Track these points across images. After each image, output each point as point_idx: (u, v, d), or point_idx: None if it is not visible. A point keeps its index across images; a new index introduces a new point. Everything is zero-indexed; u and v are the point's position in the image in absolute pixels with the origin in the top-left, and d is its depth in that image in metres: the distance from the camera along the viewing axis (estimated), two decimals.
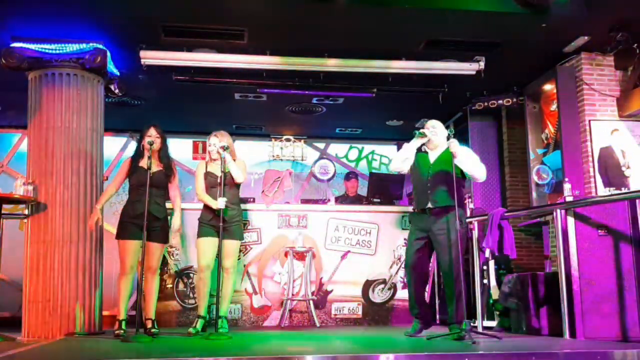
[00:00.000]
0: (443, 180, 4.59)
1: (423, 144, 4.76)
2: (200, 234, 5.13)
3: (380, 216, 6.27)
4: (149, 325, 4.89)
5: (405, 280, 4.81)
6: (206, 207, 5.14)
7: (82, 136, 5.46)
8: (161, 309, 5.66)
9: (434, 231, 4.59)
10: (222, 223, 4.86)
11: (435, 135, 4.71)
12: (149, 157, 4.75)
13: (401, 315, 6.05)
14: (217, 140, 5.14)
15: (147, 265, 4.84)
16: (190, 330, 4.96)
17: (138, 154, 5.00)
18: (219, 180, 5.05)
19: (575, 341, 4.35)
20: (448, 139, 4.64)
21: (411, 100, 7.23)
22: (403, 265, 5.51)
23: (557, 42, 5.85)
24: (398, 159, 4.79)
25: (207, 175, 5.16)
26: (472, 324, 4.24)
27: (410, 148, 4.71)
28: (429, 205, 4.60)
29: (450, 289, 4.52)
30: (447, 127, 8.14)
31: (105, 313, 5.70)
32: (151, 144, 4.80)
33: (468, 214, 5.44)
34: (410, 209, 5.85)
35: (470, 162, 4.59)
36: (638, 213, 4.63)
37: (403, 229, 6.17)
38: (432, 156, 4.74)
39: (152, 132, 4.96)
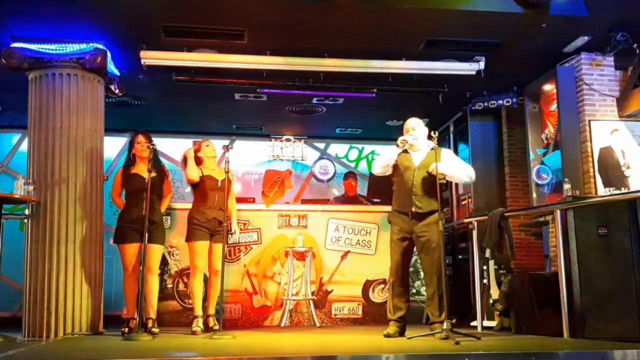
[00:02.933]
0: (427, 185, 4.63)
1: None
2: (194, 237, 5.16)
3: (380, 216, 6.25)
4: (150, 324, 4.92)
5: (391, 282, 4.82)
6: (200, 208, 5.19)
7: (82, 136, 5.46)
8: (161, 309, 5.66)
9: (417, 233, 4.63)
10: (219, 227, 5.07)
11: (416, 139, 4.74)
12: (149, 161, 4.91)
13: None
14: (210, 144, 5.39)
15: (147, 265, 4.91)
16: (196, 329, 4.99)
17: (129, 162, 5.17)
18: (219, 185, 5.14)
19: (575, 341, 4.35)
20: (430, 138, 4.71)
21: (411, 100, 7.21)
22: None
23: (557, 42, 5.84)
24: (379, 165, 4.83)
25: (207, 178, 5.22)
26: (452, 323, 4.27)
27: (391, 155, 4.76)
28: (413, 209, 4.64)
29: (432, 289, 4.57)
30: (446, 128, 8.24)
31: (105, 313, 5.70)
32: (148, 149, 4.97)
33: (467, 214, 5.44)
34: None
35: (458, 174, 4.70)
36: (638, 213, 4.64)
37: None
38: (416, 159, 4.75)
39: (141, 139, 5.12)
